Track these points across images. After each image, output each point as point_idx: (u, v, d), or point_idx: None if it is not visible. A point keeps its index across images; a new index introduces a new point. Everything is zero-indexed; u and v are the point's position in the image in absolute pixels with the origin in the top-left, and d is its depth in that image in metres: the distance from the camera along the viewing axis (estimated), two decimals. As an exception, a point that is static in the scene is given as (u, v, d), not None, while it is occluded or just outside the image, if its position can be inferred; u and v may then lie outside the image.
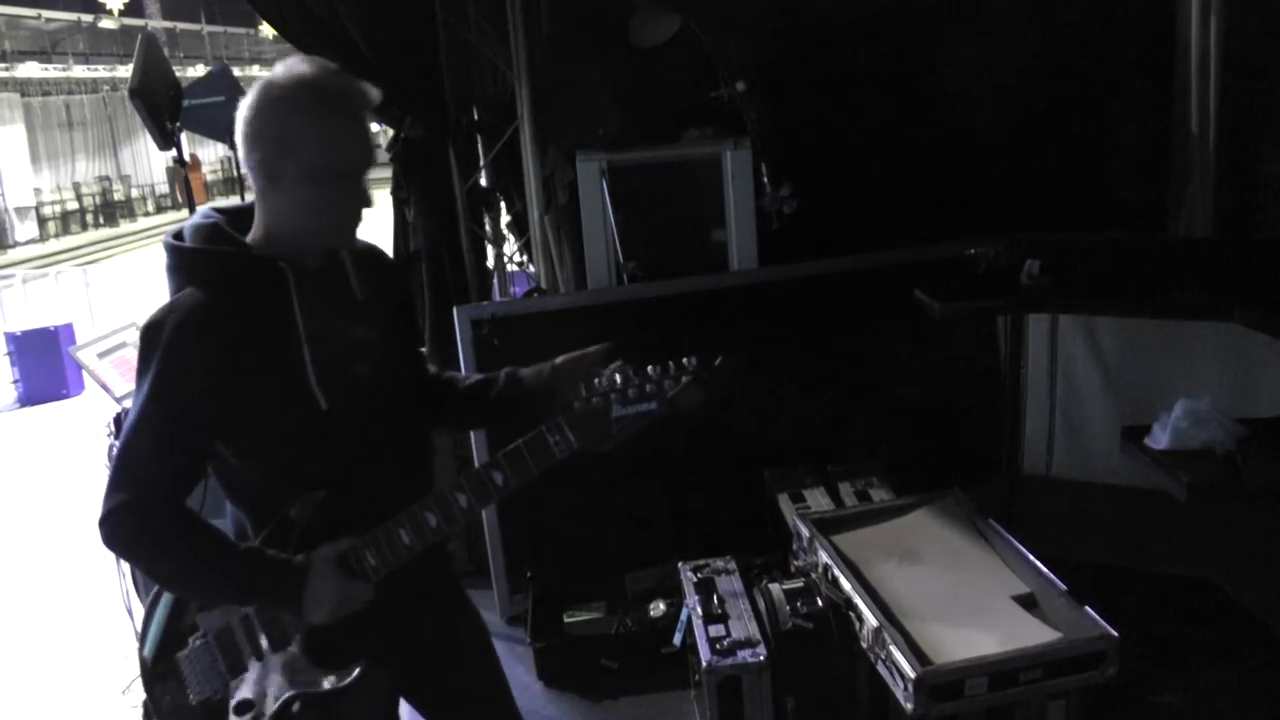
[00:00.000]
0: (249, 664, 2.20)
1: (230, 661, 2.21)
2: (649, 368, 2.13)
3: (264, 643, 2.19)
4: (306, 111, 2.04)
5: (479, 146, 5.59)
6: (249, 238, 2.16)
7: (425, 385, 2.49)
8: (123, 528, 2.04)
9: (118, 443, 2.09)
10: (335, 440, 2.15)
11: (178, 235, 2.17)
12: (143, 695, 3.01)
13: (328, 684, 2.18)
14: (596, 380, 2.13)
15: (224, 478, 2.21)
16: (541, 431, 2.14)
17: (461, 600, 2.53)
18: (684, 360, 2.14)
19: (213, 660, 2.21)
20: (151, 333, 2.05)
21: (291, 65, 2.08)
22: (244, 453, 2.14)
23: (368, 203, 2.16)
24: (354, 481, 2.17)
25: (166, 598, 2.27)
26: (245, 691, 2.20)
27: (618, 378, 2.12)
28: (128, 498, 2.02)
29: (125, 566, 3.67)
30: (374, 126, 5.45)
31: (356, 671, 2.19)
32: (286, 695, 2.17)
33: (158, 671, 2.26)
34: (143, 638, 2.29)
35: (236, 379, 2.05)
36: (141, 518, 2.04)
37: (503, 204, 5.86)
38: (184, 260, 2.13)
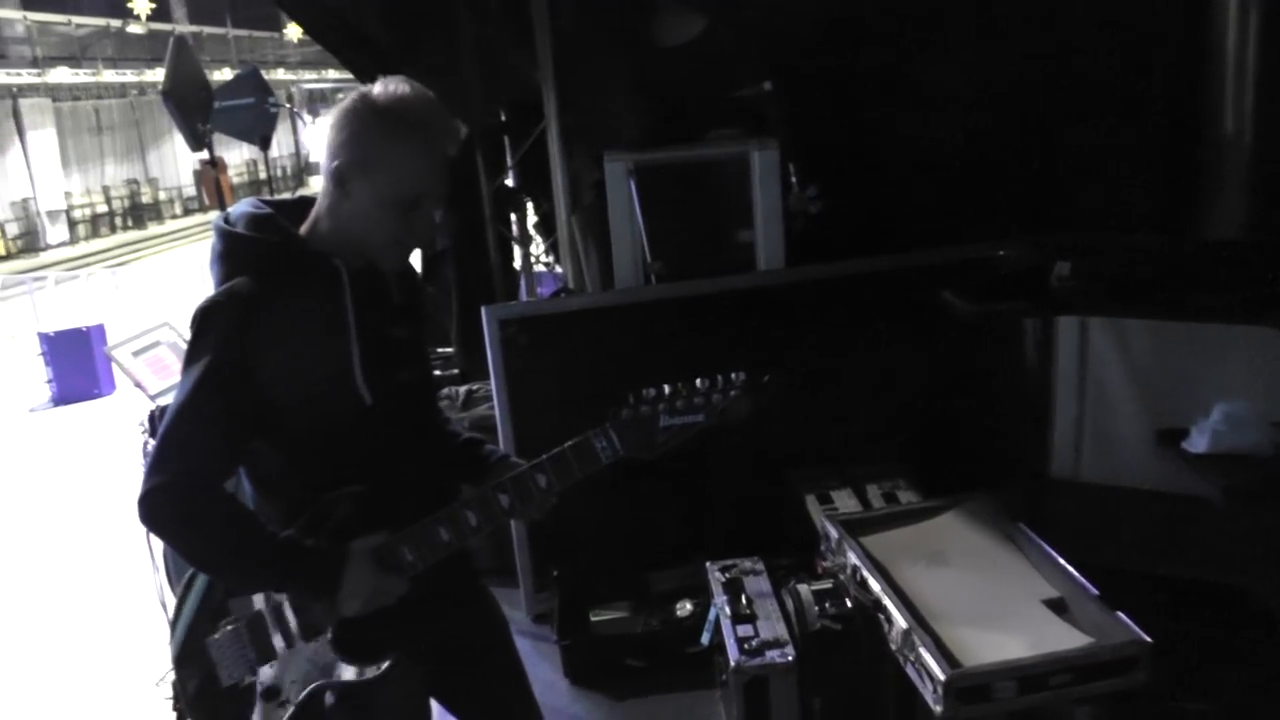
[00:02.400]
0: (278, 651, 2.22)
1: (260, 648, 2.23)
2: (697, 380, 2.19)
3: (295, 631, 2.21)
4: (391, 138, 2.08)
5: (506, 147, 5.60)
6: (302, 230, 2.19)
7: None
8: (160, 508, 2.05)
9: (162, 424, 2.09)
10: (375, 437, 2.19)
11: (229, 221, 2.18)
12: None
13: (356, 675, 2.20)
14: (645, 390, 2.19)
15: (255, 469, 2.23)
16: (589, 438, 2.21)
17: (481, 595, 2.56)
18: (732, 375, 2.21)
19: (242, 646, 2.23)
20: (204, 318, 2.07)
21: (392, 87, 2.12)
22: (283, 444, 2.16)
23: (429, 234, 2.23)
24: (388, 478, 2.20)
25: (200, 583, 2.29)
26: (273, 678, 2.22)
27: (666, 388, 2.19)
28: (167, 479, 2.03)
29: (159, 560, 3.69)
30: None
31: (386, 664, 2.20)
32: (315, 685, 2.19)
33: (186, 655, 2.27)
34: (175, 622, 2.31)
35: (284, 370, 2.07)
36: (179, 499, 2.04)
37: (529, 204, 5.87)
38: (238, 247, 2.14)
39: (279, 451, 2.17)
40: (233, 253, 2.14)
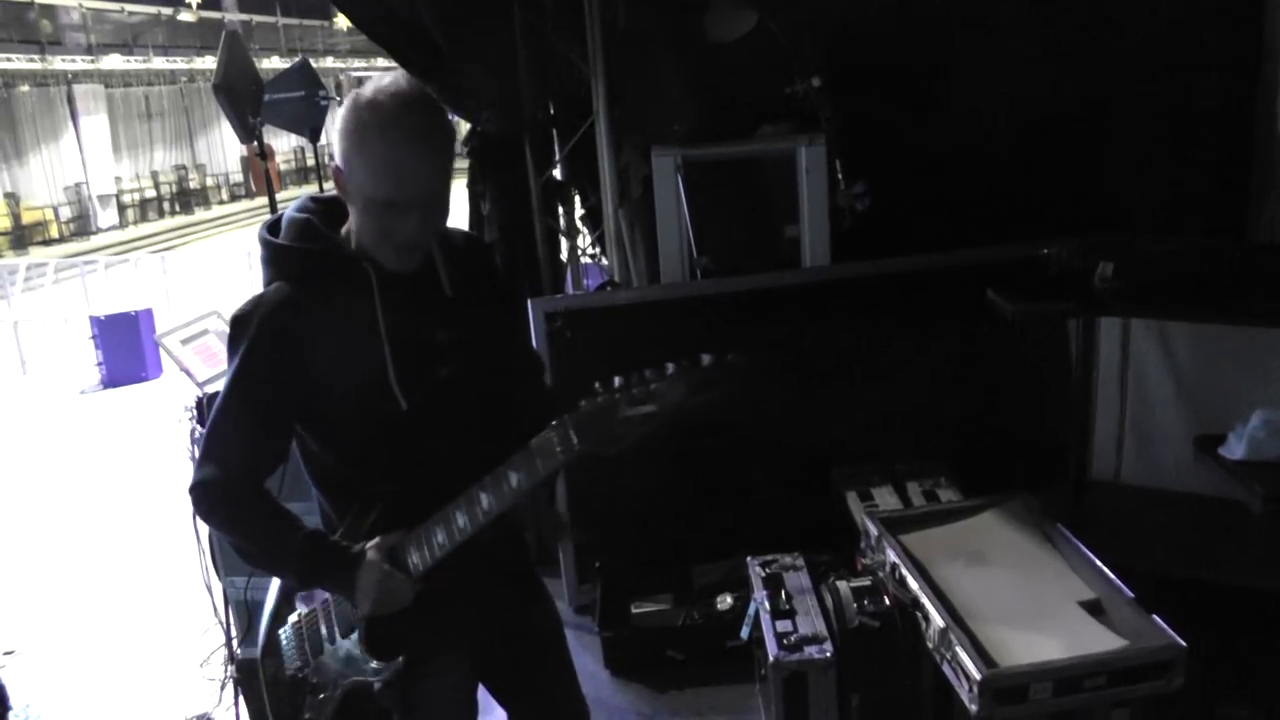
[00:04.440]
0: (325, 647, 2.28)
1: (312, 643, 2.30)
2: (648, 370, 2.07)
3: (336, 629, 2.27)
4: (359, 138, 2.04)
5: (554, 140, 5.64)
6: (343, 230, 2.21)
7: (526, 374, 2.52)
8: (204, 501, 2.19)
9: (209, 419, 2.20)
10: (412, 439, 2.19)
11: (273, 229, 2.22)
12: (220, 670, 3.10)
13: (381, 672, 2.22)
14: (608, 380, 2.09)
15: (309, 464, 2.29)
16: (547, 433, 2.12)
17: (537, 588, 2.58)
18: (700, 358, 2.06)
19: (301, 640, 2.31)
20: (239, 324, 2.14)
21: (377, 84, 2.07)
22: (325, 443, 2.22)
23: (419, 236, 2.12)
24: (428, 479, 2.19)
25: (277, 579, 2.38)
26: (318, 674, 2.29)
27: (618, 380, 2.08)
28: (209, 474, 2.15)
29: (205, 544, 3.76)
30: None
31: (399, 661, 2.22)
32: (350, 681, 2.25)
33: (267, 644, 2.37)
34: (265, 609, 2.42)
35: (317, 373, 2.11)
36: (219, 494, 2.16)
37: (577, 197, 5.91)
38: (274, 255, 2.20)
39: (322, 447, 2.23)
40: (270, 259, 2.21)
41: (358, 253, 2.16)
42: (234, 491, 2.16)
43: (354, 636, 2.24)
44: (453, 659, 2.34)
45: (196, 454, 2.19)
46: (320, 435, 2.22)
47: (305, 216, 2.21)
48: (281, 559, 2.20)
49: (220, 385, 2.25)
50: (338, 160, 2.10)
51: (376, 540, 2.16)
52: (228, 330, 2.17)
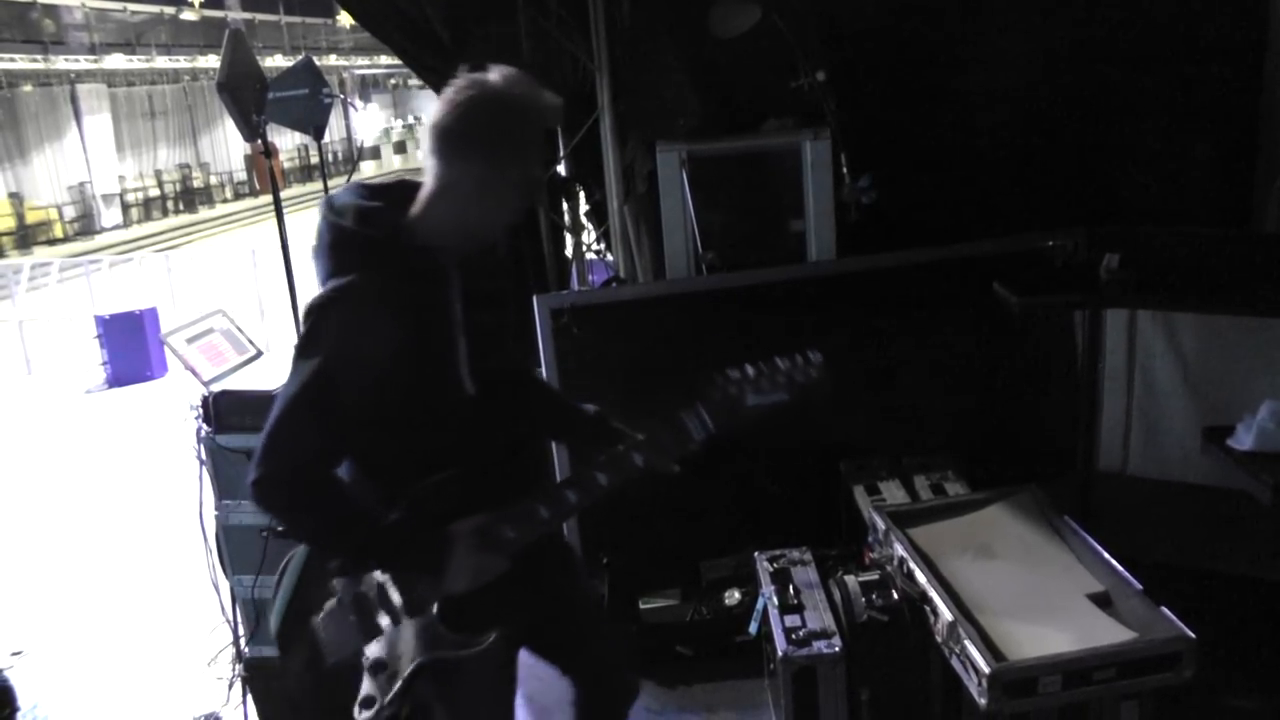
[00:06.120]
0: (384, 628, 2.32)
1: (366, 625, 2.33)
2: (779, 360, 2.32)
3: (400, 609, 2.31)
4: (501, 119, 2.17)
5: (559, 136, 5.64)
6: (412, 213, 2.25)
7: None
8: (271, 496, 2.20)
9: (273, 411, 2.19)
10: (474, 423, 2.29)
11: (336, 211, 2.25)
12: (228, 668, 3.11)
13: (462, 648, 2.29)
14: (731, 371, 2.29)
15: (360, 452, 2.33)
16: (681, 417, 2.31)
17: (571, 555, 2.80)
18: (809, 354, 2.34)
19: (349, 623, 2.35)
20: (318, 314, 2.16)
21: (498, 76, 2.20)
22: (389, 432, 2.26)
23: (524, 204, 2.34)
24: (486, 461, 2.31)
25: (294, 568, 2.42)
26: (379, 652, 2.32)
27: (749, 369, 2.29)
28: (277, 468, 2.15)
29: (212, 542, 3.76)
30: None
31: (491, 638, 2.30)
32: (422, 659, 2.28)
33: (286, 635, 2.41)
34: (273, 608, 2.45)
35: (392, 365, 2.16)
36: (290, 488, 2.18)
37: (582, 193, 5.90)
38: (347, 240, 2.21)
39: (386, 434, 2.26)
40: (341, 245, 2.21)
41: (426, 241, 2.22)
42: (308, 482, 2.19)
43: (427, 616, 2.29)
44: (507, 628, 2.40)
45: (260, 449, 2.16)
46: (386, 424, 2.24)
47: (373, 205, 2.25)
48: (361, 545, 2.26)
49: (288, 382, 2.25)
50: (442, 144, 2.18)
51: (462, 524, 2.25)
52: (304, 319, 2.19)
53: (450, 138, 2.16)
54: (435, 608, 2.29)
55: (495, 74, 2.19)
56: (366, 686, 2.31)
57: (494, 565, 2.27)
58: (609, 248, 5.66)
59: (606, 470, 2.32)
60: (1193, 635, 2.76)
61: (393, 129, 45.25)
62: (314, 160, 34.76)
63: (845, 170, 4.61)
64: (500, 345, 2.38)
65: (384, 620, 2.32)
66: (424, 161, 2.24)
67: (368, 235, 2.19)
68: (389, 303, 2.13)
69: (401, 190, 2.30)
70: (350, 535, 2.24)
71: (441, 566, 2.23)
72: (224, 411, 3.64)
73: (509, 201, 2.26)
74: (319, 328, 2.14)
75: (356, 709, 2.30)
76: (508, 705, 2.57)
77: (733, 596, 4.22)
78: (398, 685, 2.28)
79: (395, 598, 2.31)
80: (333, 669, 2.36)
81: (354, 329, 2.12)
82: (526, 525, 2.30)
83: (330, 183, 4.70)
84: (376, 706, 2.29)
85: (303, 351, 2.16)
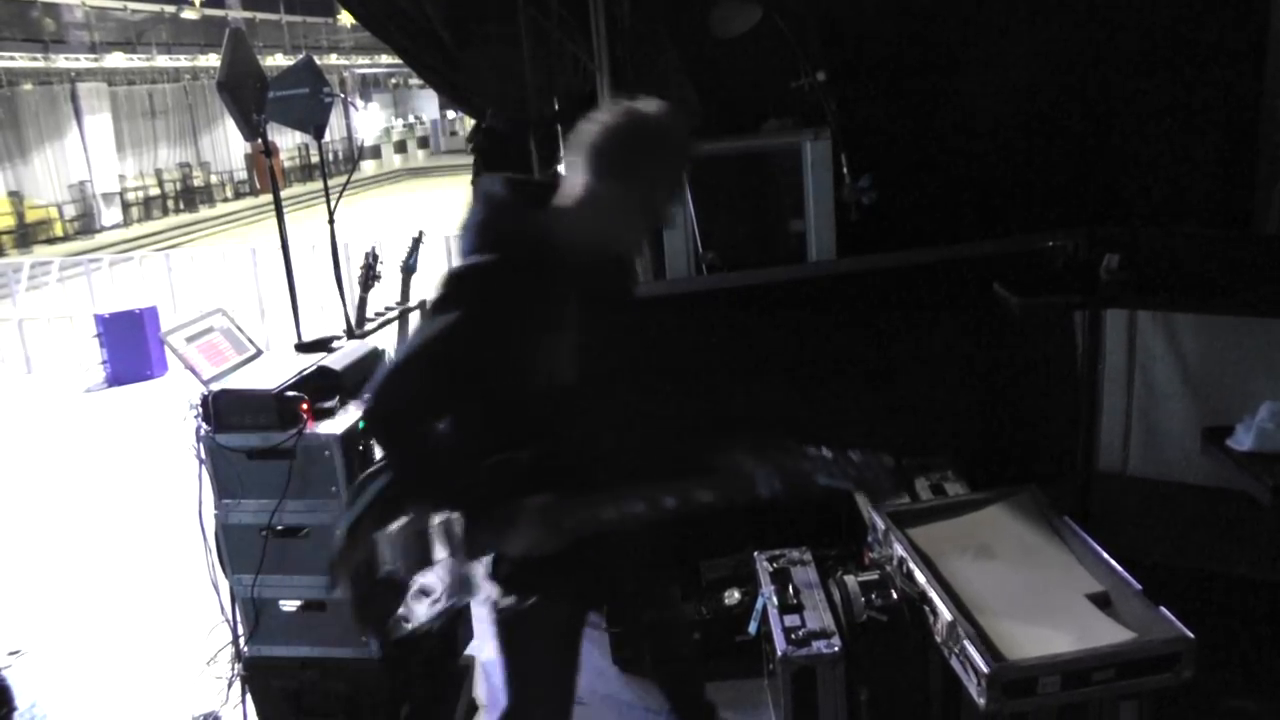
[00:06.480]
0: (438, 558, 2.51)
1: (423, 551, 2.52)
2: (853, 452, 2.56)
3: (460, 547, 2.49)
4: (660, 148, 2.36)
5: (559, 137, 5.64)
6: (556, 214, 2.41)
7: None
8: (374, 431, 2.55)
9: (396, 354, 2.49)
10: (568, 410, 2.44)
11: (489, 198, 2.46)
12: (228, 668, 3.11)
13: (497, 601, 2.51)
14: (810, 449, 2.53)
15: (461, 412, 2.50)
16: (755, 472, 2.50)
17: (644, 560, 2.88)
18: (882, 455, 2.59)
19: (410, 546, 2.53)
20: (459, 280, 2.38)
21: (653, 106, 2.38)
22: (489, 401, 2.44)
23: (657, 225, 2.58)
24: (568, 450, 2.46)
25: (379, 483, 2.59)
26: (429, 580, 2.53)
27: (827, 452, 2.55)
28: (385, 410, 2.38)
29: (211, 541, 3.76)
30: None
31: (530, 600, 2.48)
32: (461, 600, 2.54)
33: (356, 540, 2.57)
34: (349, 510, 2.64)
35: (507, 341, 2.34)
36: (391, 431, 2.41)
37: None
38: (497, 224, 2.42)
39: (487, 406, 2.45)
40: (489, 226, 2.42)
41: (563, 239, 2.39)
42: (407, 428, 2.39)
43: (480, 562, 2.48)
44: (554, 607, 2.57)
45: (377, 384, 2.37)
46: (487, 391, 2.42)
47: (518, 198, 2.45)
48: (442, 493, 2.46)
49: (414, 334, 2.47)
50: (599, 164, 2.34)
51: (533, 498, 2.39)
52: (444, 284, 2.38)
53: (607, 158, 2.34)
54: (489, 560, 2.46)
55: (653, 106, 2.37)
56: (409, 606, 2.52)
57: (547, 544, 2.40)
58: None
59: (675, 496, 2.46)
60: (1192, 636, 2.76)
61: (393, 128, 45.24)
62: (314, 159, 34.78)
63: (845, 170, 4.62)
64: (612, 345, 2.52)
65: (441, 552, 2.51)
66: (569, 173, 2.42)
67: (514, 224, 2.40)
68: (518, 285, 2.32)
69: (537, 189, 2.50)
70: (432, 484, 2.45)
71: (504, 530, 2.40)
72: (223, 410, 3.63)
73: (647, 221, 2.49)
74: (456, 291, 2.35)
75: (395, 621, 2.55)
76: (554, 667, 2.73)
77: (732, 596, 4.22)
78: (438, 610, 2.51)
79: (459, 536, 2.49)
80: (380, 582, 2.54)
81: (485, 299, 2.31)
82: (586, 520, 2.42)
83: (330, 182, 4.69)
84: (411, 625, 2.54)
85: (436, 309, 2.35)
